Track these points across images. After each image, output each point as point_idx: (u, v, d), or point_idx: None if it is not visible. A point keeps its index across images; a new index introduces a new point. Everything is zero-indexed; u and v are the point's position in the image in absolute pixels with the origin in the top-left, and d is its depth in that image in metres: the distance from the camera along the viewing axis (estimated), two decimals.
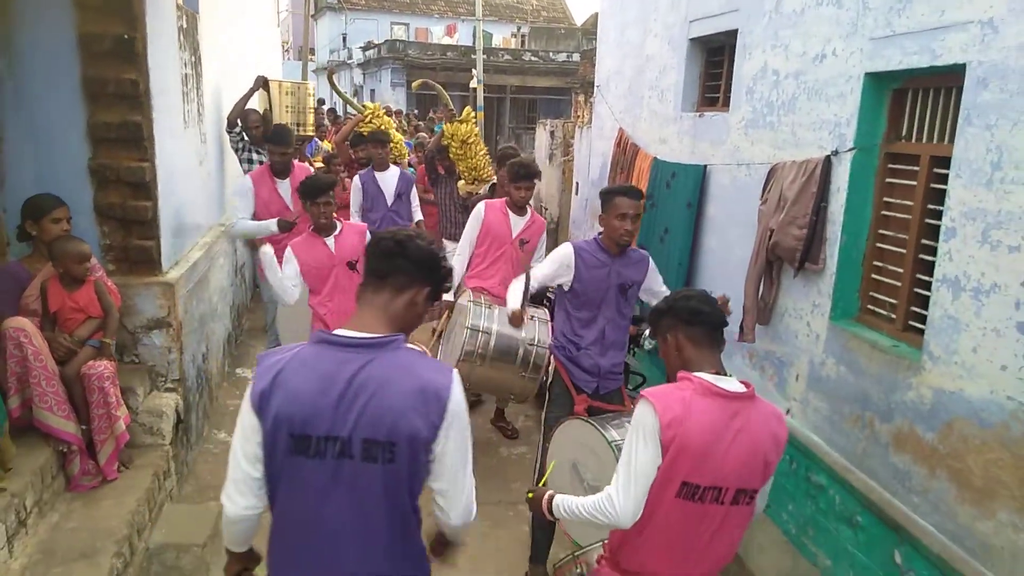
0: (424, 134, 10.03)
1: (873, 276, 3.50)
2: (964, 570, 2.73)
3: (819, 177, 3.60)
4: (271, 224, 4.88)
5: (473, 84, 17.44)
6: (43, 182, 3.63)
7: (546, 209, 9.50)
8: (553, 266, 3.71)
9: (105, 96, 3.71)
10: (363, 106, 7.32)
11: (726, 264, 4.58)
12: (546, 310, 4.41)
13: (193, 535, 3.41)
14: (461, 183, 6.96)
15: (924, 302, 3.08)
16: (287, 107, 6.47)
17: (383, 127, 7.02)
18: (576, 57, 19.86)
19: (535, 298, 4.51)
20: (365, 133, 6.74)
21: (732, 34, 4.61)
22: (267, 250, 4.02)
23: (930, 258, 3.05)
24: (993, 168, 2.66)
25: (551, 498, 2.27)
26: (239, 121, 5.99)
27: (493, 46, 27.63)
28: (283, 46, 14.28)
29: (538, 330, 4.13)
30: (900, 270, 3.31)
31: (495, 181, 6.42)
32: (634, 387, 5.04)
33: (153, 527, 3.47)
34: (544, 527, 3.58)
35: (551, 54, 25.36)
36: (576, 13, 34.75)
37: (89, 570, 2.80)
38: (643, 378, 5.22)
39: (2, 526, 2.71)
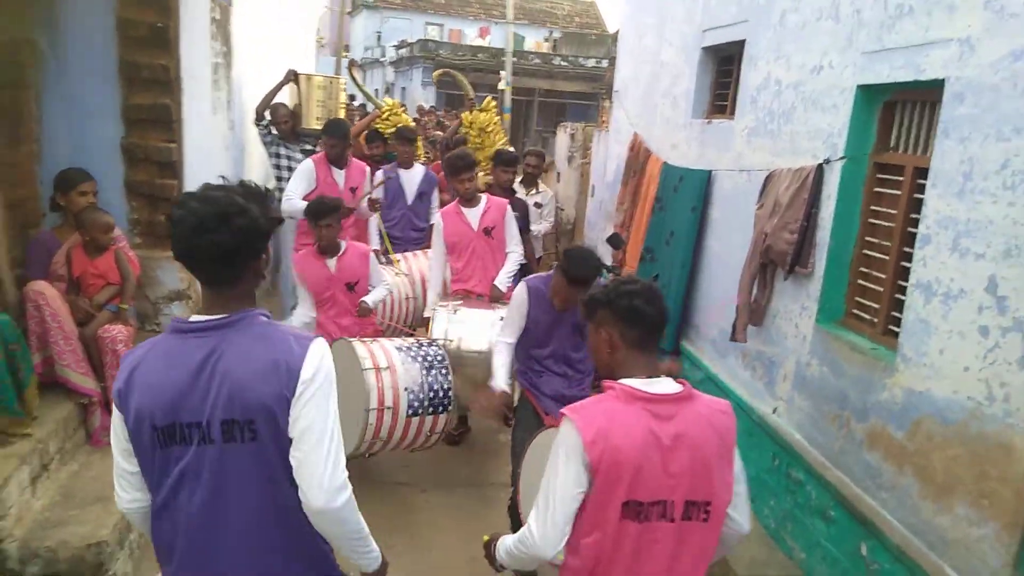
0: (439, 132, 10.13)
1: (859, 281, 3.63)
2: (922, 562, 2.86)
3: (811, 184, 3.73)
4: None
5: (502, 86, 17.66)
6: (78, 158, 3.88)
7: (562, 210, 9.67)
8: (515, 311, 3.57)
9: (139, 80, 3.96)
10: (384, 102, 7.45)
11: (727, 266, 4.72)
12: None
13: None
14: (480, 175, 7.12)
15: (903, 307, 3.21)
16: (318, 102, 6.42)
17: (401, 124, 7.13)
18: (605, 63, 20.00)
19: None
20: (382, 130, 6.89)
21: (741, 44, 4.76)
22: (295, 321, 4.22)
23: (910, 265, 3.18)
24: (965, 179, 2.79)
25: (494, 543, 2.10)
26: (267, 115, 6.00)
27: (524, 49, 27.84)
28: (319, 42, 14.57)
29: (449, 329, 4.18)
30: (883, 276, 3.44)
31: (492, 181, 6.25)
32: None
33: None
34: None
35: (580, 59, 25.51)
36: (609, 20, 34.79)
37: (103, 513, 3.04)
38: None
39: (27, 468, 2.96)
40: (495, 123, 7.16)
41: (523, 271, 4.78)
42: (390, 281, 4.69)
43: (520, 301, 3.53)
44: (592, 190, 8.84)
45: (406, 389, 3.69)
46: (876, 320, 3.47)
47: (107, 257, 3.70)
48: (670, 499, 1.82)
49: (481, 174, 7.07)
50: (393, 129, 7.22)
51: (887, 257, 3.42)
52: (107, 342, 3.61)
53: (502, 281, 4.59)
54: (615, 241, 4.86)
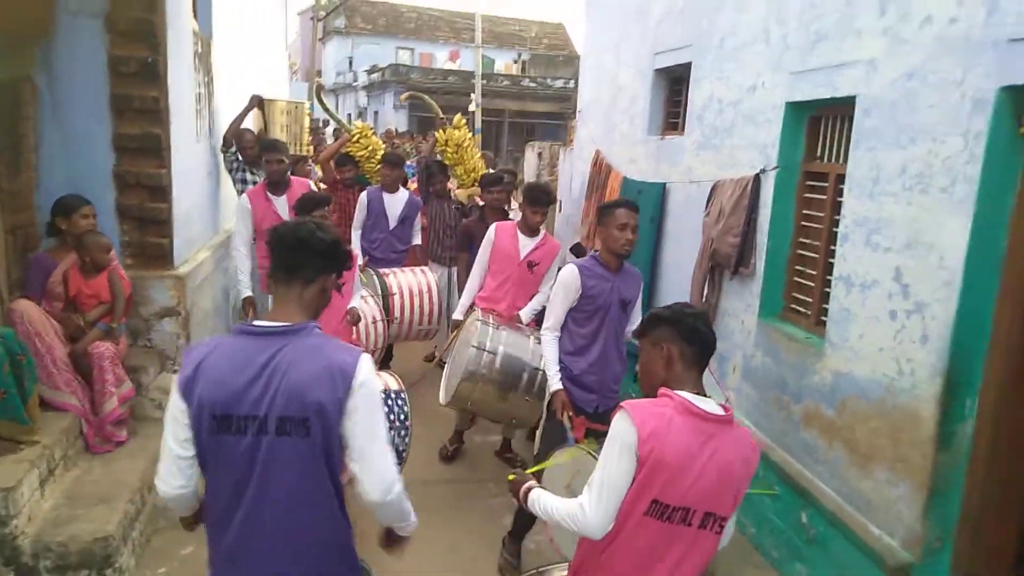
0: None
1: (794, 278, 4.02)
2: (851, 524, 3.21)
3: (750, 192, 4.12)
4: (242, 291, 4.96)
5: (471, 108, 18.12)
6: (72, 185, 4.14)
7: None
8: (562, 293, 3.56)
9: (130, 111, 4.24)
10: (354, 126, 7.59)
11: (681, 270, 5.09)
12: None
13: None
14: (460, 190, 7.35)
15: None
16: (282, 126, 6.57)
17: (372, 148, 7.29)
18: (572, 83, 20.56)
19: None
20: (352, 154, 7.03)
21: (688, 66, 5.17)
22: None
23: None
24: (873, 183, 3.19)
25: (529, 489, 2.28)
26: (233, 140, 5.93)
27: (494, 72, 28.40)
28: (291, 68, 14.90)
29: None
30: (815, 272, 3.82)
31: (483, 203, 6.11)
32: None
33: None
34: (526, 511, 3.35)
35: (549, 80, 26.14)
36: (577, 41, 35.55)
37: (107, 512, 3.28)
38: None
39: (36, 472, 3.20)
40: (469, 139, 7.50)
41: None
42: (362, 300, 4.77)
43: (570, 277, 3.50)
44: (559, 205, 9.22)
45: None
46: (810, 312, 3.85)
47: (101, 277, 3.96)
48: (693, 508, 1.98)
49: (460, 190, 7.38)
50: (364, 152, 7.44)
51: (817, 256, 3.81)
52: (95, 358, 3.81)
53: (526, 313, 4.59)
54: (577, 250, 5.23)
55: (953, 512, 2.89)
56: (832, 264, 3.61)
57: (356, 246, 5.84)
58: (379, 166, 6.25)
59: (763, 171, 4.07)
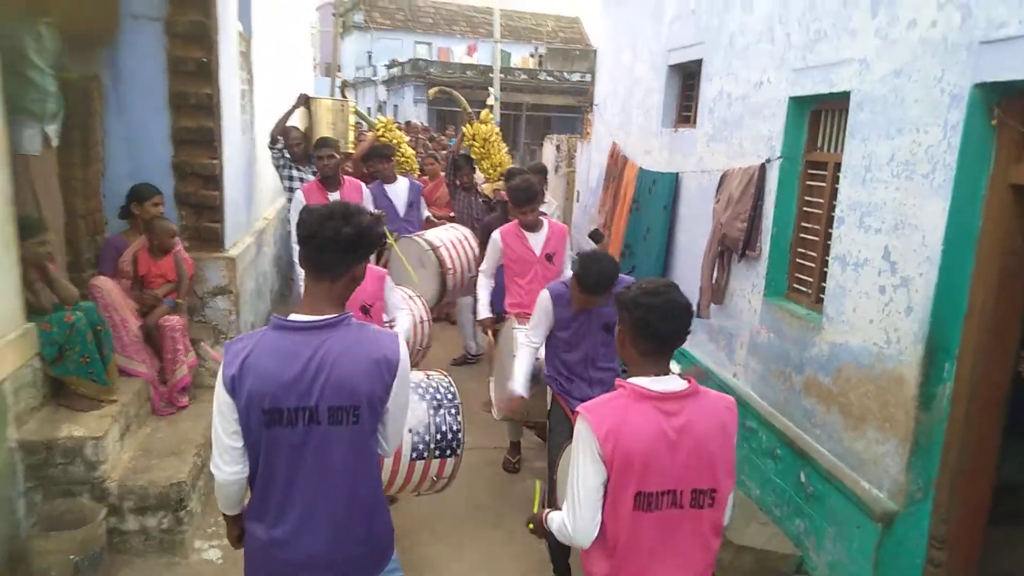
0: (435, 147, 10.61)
1: (797, 260, 4.35)
2: (844, 480, 3.55)
3: (757, 180, 4.46)
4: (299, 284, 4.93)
5: (490, 101, 18.47)
6: (136, 174, 4.56)
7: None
8: (539, 318, 3.67)
9: (186, 107, 4.66)
10: (376, 120, 7.93)
11: (693, 254, 5.43)
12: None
13: None
14: (486, 185, 7.47)
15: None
16: (328, 124, 6.74)
17: (395, 141, 7.53)
18: (588, 77, 20.84)
19: None
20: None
21: (699, 63, 5.50)
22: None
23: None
24: (866, 170, 3.52)
25: (546, 516, 2.26)
26: (280, 138, 6.17)
27: (511, 66, 28.71)
28: (312, 63, 15.32)
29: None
30: (815, 254, 4.16)
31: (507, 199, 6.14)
32: None
33: None
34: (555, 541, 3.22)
35: (565, 74, 26.40)
36: (593, 35, 35.73)
37: (178, 463, 3.70)
38: None
39: (117, 425, 3.62)
40: (496, 133, 7.75)
41: None
42: (410, 308, 4.53)
43: (544, 306, 3.61)
44: (577, 195, 9.58)
45: (410, 430, 3.25)
46: (810, 291, 4.18)
47: (167, 259, 4.38)
48: (678, 489, 1.96)
49: (486, 184, 7.64)
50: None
51: (817, 239, 4.14)
52: (167, 330, 4.27)
53: None
54: (595, 236, 5.57)
55: (933, 466, 3.22)
56: (830, 246, 3.94)
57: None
58: (375, 160, 6.31)
59: (768, 161, 4.40)
